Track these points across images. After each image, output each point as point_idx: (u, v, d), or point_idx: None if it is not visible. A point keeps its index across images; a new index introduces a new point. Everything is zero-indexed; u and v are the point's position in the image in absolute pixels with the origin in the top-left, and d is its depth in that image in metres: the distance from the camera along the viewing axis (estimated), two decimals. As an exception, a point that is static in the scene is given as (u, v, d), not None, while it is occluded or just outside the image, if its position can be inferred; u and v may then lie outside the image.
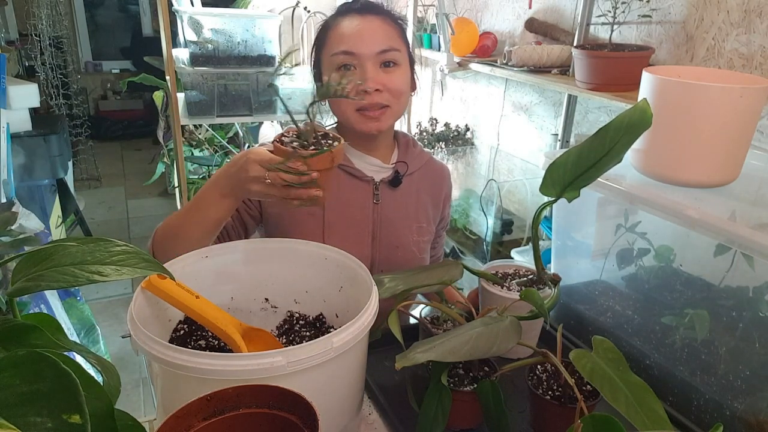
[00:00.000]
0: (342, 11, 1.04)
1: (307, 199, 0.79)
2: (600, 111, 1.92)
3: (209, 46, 2.11)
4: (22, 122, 2.57)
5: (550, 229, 1.28)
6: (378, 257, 1.10)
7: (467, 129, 2.63)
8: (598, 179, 0.78)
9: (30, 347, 0.50)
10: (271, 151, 0.80)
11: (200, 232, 0.89)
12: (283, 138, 0.81)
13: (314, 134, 0.81)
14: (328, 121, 1.14)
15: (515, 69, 1.95)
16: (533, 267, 0.94)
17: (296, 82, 2.39)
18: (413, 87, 1.10)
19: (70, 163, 3.23)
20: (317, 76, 1.09)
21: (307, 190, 0.78)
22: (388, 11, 1.05)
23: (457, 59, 2.31)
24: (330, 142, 0.79)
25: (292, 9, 2.73)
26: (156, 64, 2.94)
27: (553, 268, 1.19)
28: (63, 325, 0.59)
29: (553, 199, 0.80)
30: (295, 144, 0.79)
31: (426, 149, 1.22)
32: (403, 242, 1.12)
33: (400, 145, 1.15)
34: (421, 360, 0.66)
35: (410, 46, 1.08)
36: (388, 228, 1.10)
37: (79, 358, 0.58)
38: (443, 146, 2.58)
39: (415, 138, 2.64)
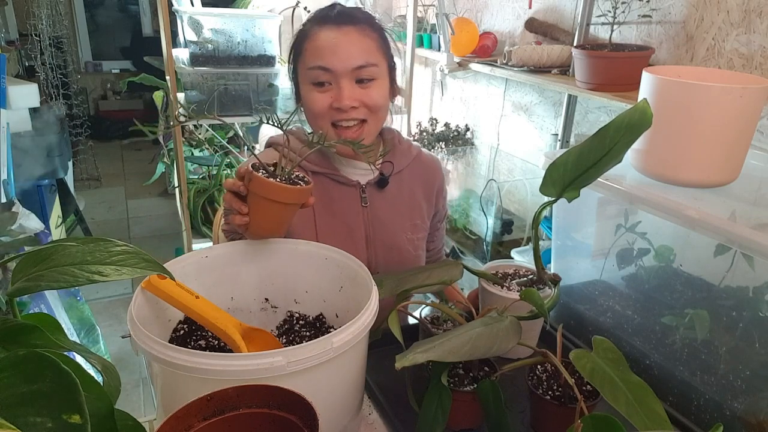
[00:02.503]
0: (319, 19, 1.01)
1: (236, 213, 0.84)
2: (600, 111, 1.92)
3: (209, 46, 2.11)
4: (22, 122, 2.57)
5: (550, 229, 1.28)
6: (374, 259, 1.09)
7: (467, 129, 2.63)
8: (598, 179, 0.78)
9: (30, 347, 0.50)
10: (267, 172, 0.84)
11: None
12: (265, 164, 0.84)
13: (289, 172, 0.84)
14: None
15: (515, 69, 1.95)
16: (533, 267, 0.94)
17: (296, 82, 2.38)
18: (393, 94, 1.08)
19: (70, 163, 3.23)
20: (295, 84, 1.08)
21: (239, 205, 0.83)
22: (366, 18, 1.02)
23: (457, 59, 2.31)
24: (297, 182, 0.83)
25: (292, 9, 2.73)
26: (156, 64, 2.94)
27: (553, 268, 1.19)
28: (63, 325, 0.59)
29: (553, 199, 0.80)
30: (261, 171, 0.82)
31: (415, 143, 1.20)
32: (398, 242, 1.11)
33: (386, 144, 1.14)
34: (421, 360, 0.66)
35: (391, 55, 1.06)
36: (381, 229, 1.10)
37: (79, 358, 0.58)
38: (443, 146, 2.58)
39: (415, 138, 2.65)
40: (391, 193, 1.11)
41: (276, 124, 0.82)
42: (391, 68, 1.06)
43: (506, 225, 2.23)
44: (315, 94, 1.00)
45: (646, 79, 0.90)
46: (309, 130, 1.12)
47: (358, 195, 1.09)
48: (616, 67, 1.53)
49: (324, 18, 1.01)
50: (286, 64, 1.09)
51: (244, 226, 0.83)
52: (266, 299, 0.91)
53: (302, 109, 1.07)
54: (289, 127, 0.85)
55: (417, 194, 1.15)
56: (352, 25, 1.00)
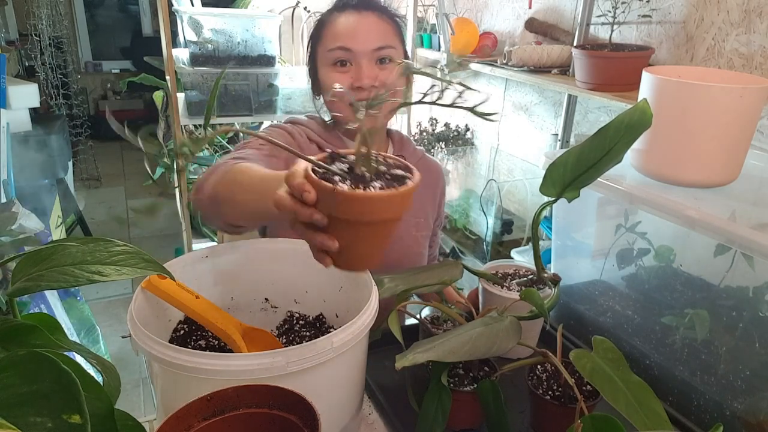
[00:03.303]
0: (338, 6, 1.04)
1: (316, 244, 0.57)
2: (600, 111, 1.92)
3: (209, 46, 2.11)
4: (22, 122, 2.57)
5: (550, 229, 1.28)
6: None
7: (467, 129, 2.63)
8: (598, 179, 0.78)
9: (30, 347, 0.50)
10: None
11: (258, 215, 0.80)
12: (335, 161, 0.58)
13: (382, 164, 0.57)
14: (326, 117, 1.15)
15: (515, 69, 1.95)
16: (533, 267, 0.94)
17: (296, 82, 2.39)
18: (407, 82, 1.10)
19: (70, 163, 3.23)
20: (312, 71, 1.10)
21: (316, 233, 0.56)
22: (384, 7, 1.06)
23: (457, 59, 2.31)
24: (394, 183, 0.54)
25: (292, 9, 2.73)
26: (156, 64, 2.94)
27: (553, 268, 1.19)
28: (63, 325, 0.59)
29: (553, 199, 0.80)
30: (339, 167, 0.56)
31: (419, 147, 1.23)
32: (402, 237, 1.12)
33: (394, 141, 1.16)
34: (421, 360, 0.66)
35: (405, 43, 1.08)
36: None
37: (79, 358, 0.58)
38: (443, 146, 2.58)
39: (415, 138, 2.65)
40: None
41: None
42: (406, 56, 1.09)
43: (506, 225, 2.23)
44: (335, 74, 1.02)
45: (646, 79, 0.90)
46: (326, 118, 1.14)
47: None
48: (616, 67, 1.53)
49: (344, 4, 1.04)
50: (307, 52, 1.10)
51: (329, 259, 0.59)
52: (266, 299, 0.91)
53: (317, 97, 1.09)
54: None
55: (421, 194, 1.17)
56: (371, 10, 1.03)
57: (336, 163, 0.57)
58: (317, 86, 1.09)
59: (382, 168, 0.57)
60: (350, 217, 0.54)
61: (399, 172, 0.58)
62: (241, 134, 2.98)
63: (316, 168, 0.55)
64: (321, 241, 0.56)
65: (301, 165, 0.56)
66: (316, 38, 1.06)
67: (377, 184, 0.54)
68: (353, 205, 0.53)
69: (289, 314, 0.91)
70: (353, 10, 1.02)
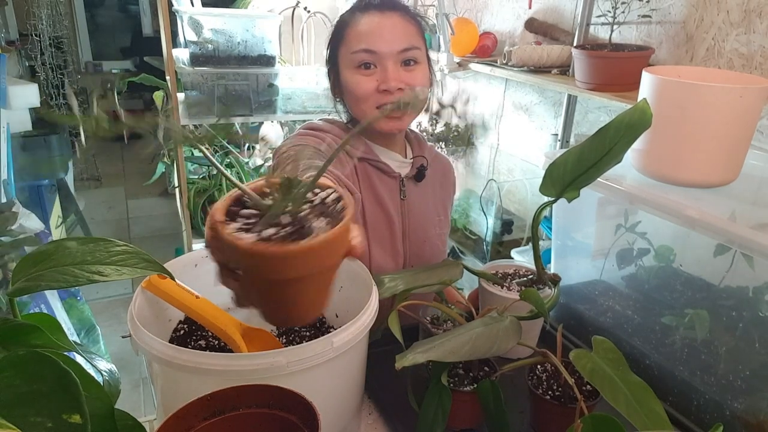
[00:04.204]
0: (361, 7, 1.02)
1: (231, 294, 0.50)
2: (600, 111, 1.92)
3: (209, 46, 2.11)
4: (22, 122, 2.57)
5: (550, 229, 1.28)
6: (408, 253, 1.10)
7: (467, 129, 2.63)
8: (598, 179, 0.78)
9: (30, 347, 0.50)
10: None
11: None
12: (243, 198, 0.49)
13: (302, 195, 0.46)
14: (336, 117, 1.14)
15: (515, 69, 1.95)
16: (533, 267, 0.94)
17: (296, 82, 2.39)
18: (430, 82, 1.10)
19: (70, 163, 3.23)
20: (333, 72, 1.08)
21: (229, 280, 0.50)
22: (407, 7, 1.04)
23: (457, 59, 2.31)
24: (312, 226, 0.44)
25: (292, 9, 2.73)
26: (156, 64, 2.95)
27: (553, 268, 1.18)
28: (63, 325, 0.59)
29: (553, 199, 0.80)
30: (248, 211, 0.46)
31: (429, 143, 1.24)
32: (429, 236, 1.13)
33: (411, 140, 1.16)
34: (421, 360, 0.66)
35: (428, 44, 1.08)
36: (415, 223, 1.11)
37: (79, 358, 0.58)
38: (443, 146, 2.58)
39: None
40: (423, 187, 1.13)
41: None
42: (428, 56, 1.08)
43: (506, 225, 2.23)
44: (359, 77, 1.00)
45: (646, 79, 0.90)
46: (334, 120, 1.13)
47: (398, 187, 1.09)
48: (616, 67, 1.53)
49: (366, 5, 1.02)
50: (328, 51, 1.08)
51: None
52: (266, 299, 0.91)
53: (338, 99, 1.08)
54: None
55: (438, 191, 1.18)
56: (395, 10, 1.01)
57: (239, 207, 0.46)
58: (338, 89, 1.07)
59: (318, 198, 0.46)
60: (256, 273, 0.44)
61: (333, 205, 0.47)
62: (241, 135, 2.98)
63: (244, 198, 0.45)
64: (235, 294, 0.50)
65: (220, 201, 0.48)
66: (337, 39, 1.04)
67: (285, 230, 0.42)
68: (250, 261, 0.42)
69: (289, 314, 0.91)
70: (376, 10, 1.00)
